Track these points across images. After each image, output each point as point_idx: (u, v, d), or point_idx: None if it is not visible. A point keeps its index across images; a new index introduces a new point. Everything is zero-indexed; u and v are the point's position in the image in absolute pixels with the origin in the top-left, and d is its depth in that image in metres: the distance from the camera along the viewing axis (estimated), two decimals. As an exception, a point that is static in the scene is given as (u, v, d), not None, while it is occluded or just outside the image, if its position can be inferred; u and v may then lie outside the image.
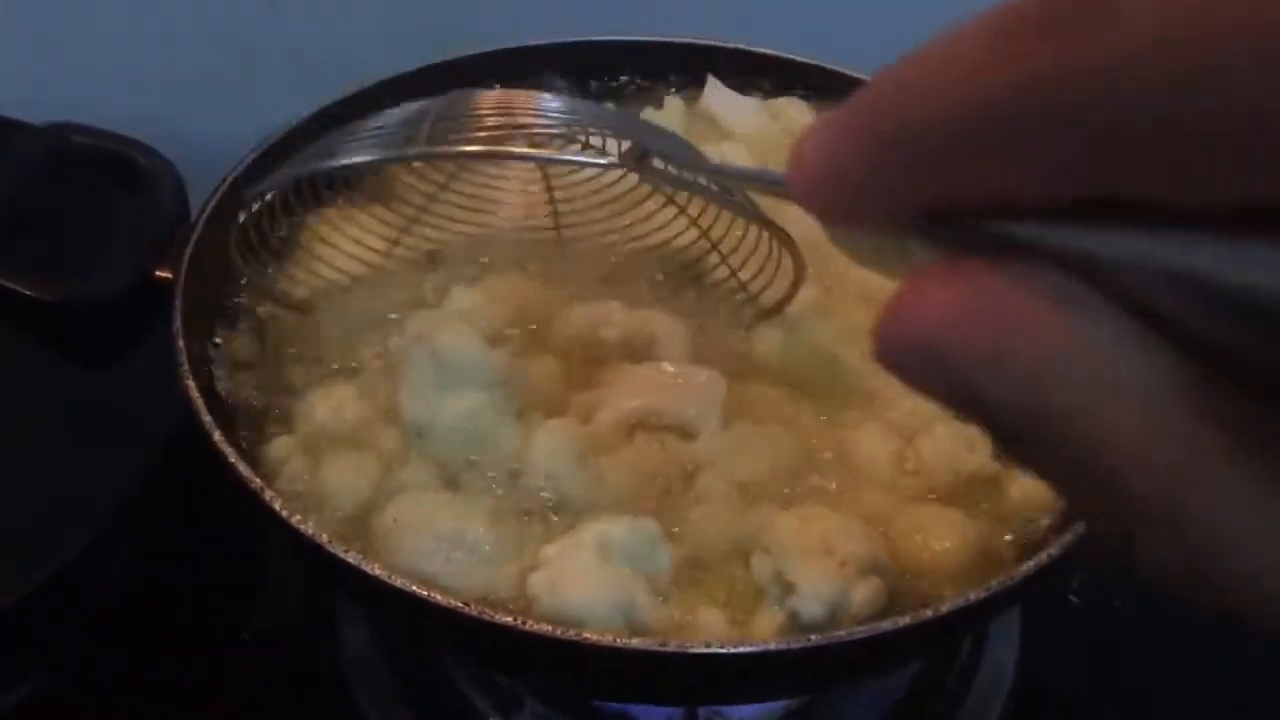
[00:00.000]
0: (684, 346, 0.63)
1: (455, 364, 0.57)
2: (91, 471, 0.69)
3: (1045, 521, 0.58)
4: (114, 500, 0.68)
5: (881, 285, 0.21)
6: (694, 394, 0.60)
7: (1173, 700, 0.73)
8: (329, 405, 0.60)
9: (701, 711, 0.66)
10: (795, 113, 0.77)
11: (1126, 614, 0.77)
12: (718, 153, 0.72)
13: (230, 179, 0.66)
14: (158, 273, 0.64)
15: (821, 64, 0.77)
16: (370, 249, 0.67)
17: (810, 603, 0.53)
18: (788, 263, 0.60)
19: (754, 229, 0.60)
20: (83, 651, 0.71)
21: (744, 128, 0.75)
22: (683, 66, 0.78)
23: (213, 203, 0.65)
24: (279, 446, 0.59)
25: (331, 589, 0.73)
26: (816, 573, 0.53)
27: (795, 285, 0.61)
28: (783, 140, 0.75)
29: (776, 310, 0.63)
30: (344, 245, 0.67)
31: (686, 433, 0.59)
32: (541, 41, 0.79)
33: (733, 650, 0.49)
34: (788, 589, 0.53)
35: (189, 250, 0.63)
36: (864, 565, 0.54)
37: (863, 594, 0.53)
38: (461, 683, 0.70)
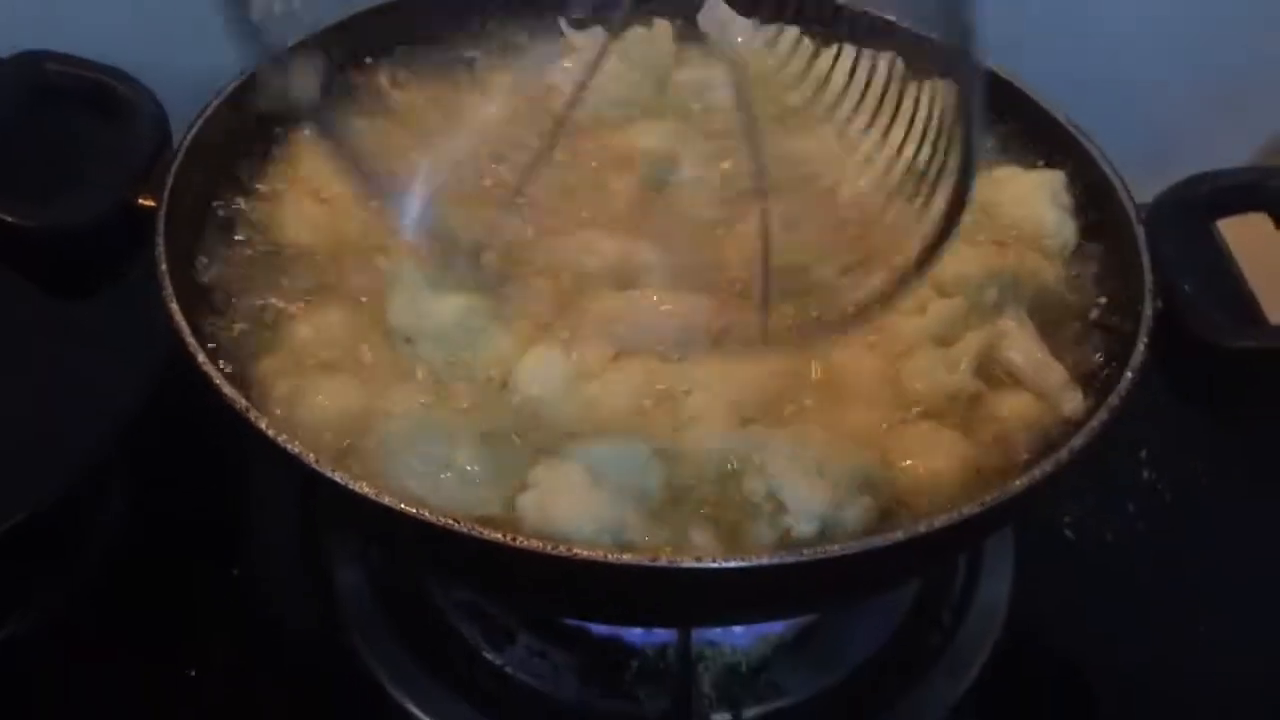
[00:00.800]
0: (667, 273, 0.62)
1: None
2: (77, 406, 0.69)
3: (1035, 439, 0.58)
4: (97, 439, 0.68)
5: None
6: (679, 319, 0.59)
7: (1165, 632, 0.73)
8: (315, 328, 0.59)
9: (694, 638, 0.66)
10: (790, 45, 0.75)
11: (1119, 547, 0.77)
12: (703, 78, 0.71)
13: (215, 105, 0.65)
14: (140, 201, 0.63)
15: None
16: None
17: (803, 521, 0.52)
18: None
19: None
20: (67, 593, 0.70)
21: (736, 53, 0.73)
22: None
23: (195, 129, 0.64)
24: (265, 370, 0.58)
25: (320, 514, 0.72)
26: (809, 492, 0.53)
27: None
28: (775, 73, 0.73)
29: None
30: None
31: (674, 357, 0.59)
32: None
33: (724, 565, 0.49)
34: (779, 508, 0.53)
35: (171, 178, 0.62)
36: (856, 485, 0.53)
37: (855, 513, 0.53)
38: (455, 618, 0.70)
